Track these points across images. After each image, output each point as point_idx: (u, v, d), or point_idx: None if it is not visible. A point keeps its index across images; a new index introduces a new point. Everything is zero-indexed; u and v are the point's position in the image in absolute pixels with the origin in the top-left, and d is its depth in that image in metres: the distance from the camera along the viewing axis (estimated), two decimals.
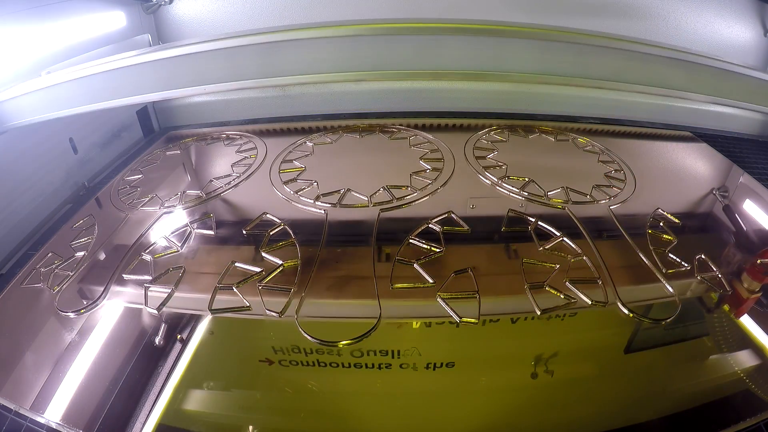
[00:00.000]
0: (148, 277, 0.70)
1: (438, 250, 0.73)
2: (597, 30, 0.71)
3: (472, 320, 0.62)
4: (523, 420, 0.56)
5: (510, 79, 0.71)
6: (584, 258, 0.72)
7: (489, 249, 0.79)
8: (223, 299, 0.66)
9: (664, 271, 0.69)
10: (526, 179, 0.92)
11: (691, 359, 0.62)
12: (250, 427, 0.54)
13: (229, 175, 0.98)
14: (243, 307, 0.65)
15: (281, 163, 1.01)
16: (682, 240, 0.77)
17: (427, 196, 0.88)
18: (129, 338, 0.63)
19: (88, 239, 0.81)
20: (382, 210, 0.84)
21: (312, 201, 0.86)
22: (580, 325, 0.65)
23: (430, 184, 0.91)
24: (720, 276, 0.69)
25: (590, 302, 0.64)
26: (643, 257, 0.72)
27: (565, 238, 0.76)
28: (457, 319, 0.62)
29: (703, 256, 0.72)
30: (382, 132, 1.15)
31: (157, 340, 0.63)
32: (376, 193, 0.88)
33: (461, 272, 0.68)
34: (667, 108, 1.27)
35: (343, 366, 0.59)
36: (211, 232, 0.81)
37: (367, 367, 0.59)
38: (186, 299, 0.68)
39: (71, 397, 0.56)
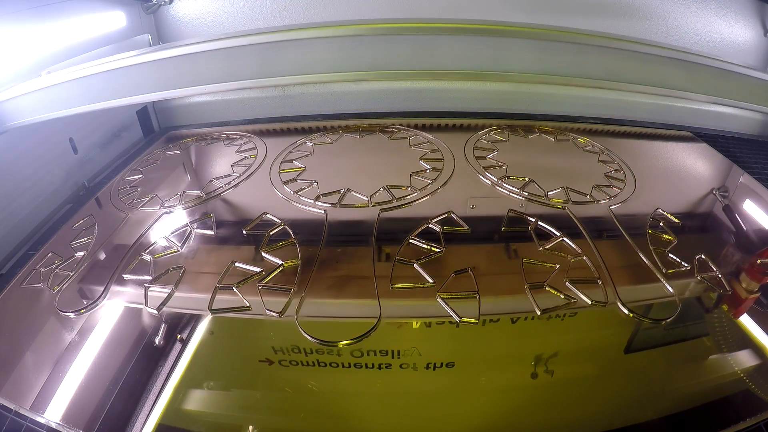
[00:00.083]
0: (148, 277, 0.70)
1: (438, 250, 0.73)
2: (597, 30, 0.71)
3: (472, 320, 0.62)
4: (523, 420, 0.56)
5: (510, 79, 0.71)
6: (584, 258, 0.72)
7: (489, 249, 0.79)
8: (223, 299, 0.66)
9: (664, 271, 0.69)
10: (526, 179, 0.92)
11: (691, 359, 0.62)
12: (250, 427, 0.54)
13: (229, 175, 0.98)
14: (243, 307, 0.65)
15: (281, 163, 1.01)
16: (682, 240, 0.77)
17: (427, 196, 0.88)
18: (129, 338, 0.63)
19: (88, 239, 0.81)
20: (382, 210, 0.84)
21: (312, 201, 0.86)
22: (580, 325, 0.65)
23: (430, 184, 0.91)
24: (720, 276, 0.69)
25: (590, 302, 0.64)
26: (643, 257, 0.72)
27: (565, 238, 0.76)
28: (457, 319, 0.62)
29: (703, 256, 0.72)
30: (382, 132, 1.15)
31: (157, 340, 0.63)
32: (376, 193, 0.88)
33: (461, 272, 0.68)
34: (667, 108, 1.27)
35: (343, 366, 0.59)
36: (211, 232, 0.81)
37: (367, 367, 0.59)
38: (186, 299, 0.68)
39: (71, 397, 0.56)
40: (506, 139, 1.11)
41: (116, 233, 0.82)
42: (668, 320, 0.62)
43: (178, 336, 0.63)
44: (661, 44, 0.72)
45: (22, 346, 0.63)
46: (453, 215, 0.81)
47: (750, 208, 0.91)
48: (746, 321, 0.65)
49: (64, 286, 0.70)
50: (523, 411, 0.57)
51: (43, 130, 0.90)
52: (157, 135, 1.29)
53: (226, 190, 0.93)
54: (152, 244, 0.78)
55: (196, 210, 0.87)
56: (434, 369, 0.59)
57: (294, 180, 0.94)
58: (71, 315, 0.66)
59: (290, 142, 1.10)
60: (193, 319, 0.65)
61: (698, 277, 0.69)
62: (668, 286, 0.67)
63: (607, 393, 0.59)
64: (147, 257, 0.74)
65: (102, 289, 0.69)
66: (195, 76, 0.73)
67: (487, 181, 0.93)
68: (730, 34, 1.22)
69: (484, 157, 1.01)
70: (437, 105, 1.29)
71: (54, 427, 0.54)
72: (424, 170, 0.96)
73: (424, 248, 0.74)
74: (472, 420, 0.55)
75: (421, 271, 0.69)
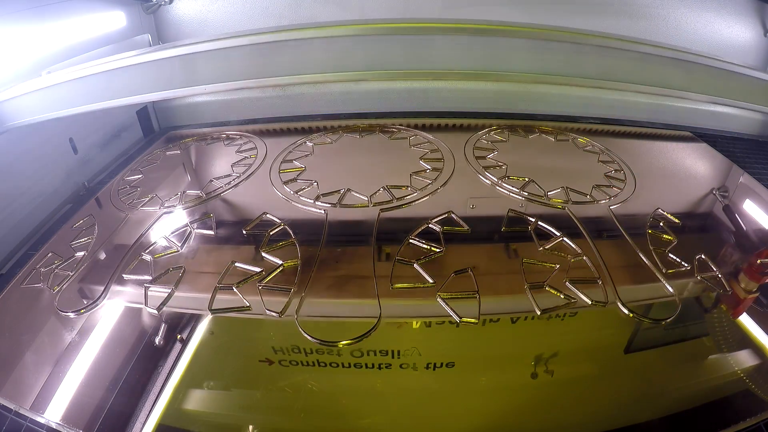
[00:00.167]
0: (148, 277, 0.70)
1: (438, 250, 0.73)
2: (597, 30, 0.71)
3: (472, 320, 0.62)
4: (523, 420, 0.56)
5: (510, 79, 0.71)
6: (584, 258, 0.72)
7: (489, 249, 0.79)
8: (223, 299, 0.66)
9: (664, 271, 0.69)
10: (526, 179, 0.92)
11: (691, 359, 0.62)
12: (250, 427, 0.54)
13: (229, 175, 0.98)
14: (243, 307, 0.65)
15: (281, 163, 1.01)
16: (682, 240, 0.77)
17: (427, 196, 0.88)
18: (129, 338, 0.63)
19: (88, 239, 0.81)
20: (382, 210, 0.84)
21: (312, 201, 0.86)
22: (580, 325, 0.65)
23: (430, 184, 0.91)
24: (720, 276, 0.69)
25: (590, 302, 0.64)
26: (643, 257, 0.72)
27: (565, 238, 0.76)
28: (457, 319, 0.62)
29: (703, 256, 0.72)
30: (382, 132, 1.15)
31: (157, 340, 0.63)
32: (376, 193, 0.88)
33: (461, 272, 0.68)
34: (667, 108, 1.27)
35: (343, 366, 0.59)
36: (211, 232, 0.81)
37: (367, 367, 0.59)
38: (186, 299, 0.68)
39: (71, 397, 0.56)
40: (506, 139, 1.11)
41: (116, 233, 0.82)
42: (668, 320, 0.62)
43: (178, 336, 0.63)
44: (660, 44, 0.72)
45: (22, 346, 0.63)
46: (453, 215, 0.81)
47: (750, 208, 0.91)
48: (746, 321, 0.65)
49: (64, 286, 0.70)
50: (523, 411, 0.57)
51: (43, 130, 0.90)
52: (157, 135, 1.29)
53: (226, 190, 0.93)
54: (152, 244, 0.78)
55: (196, 210, 0.87)
56: (434, 369, 0.59)
57: (294, 180, 0.94)
58: (71, 315, 0.66)
59: (290, 142, 1.10)
60: (193, 319, 0.65)
61: (698, 277, 0.69)
62: (668, 286, 0.67)
63: (607, 393, 0.59)
64: (147, 257, 0.74)
65: (102, 289, 0.69)
66: (195, 76, 0.73)
67: (487, 181, 0.93)
68: (730, 34, 1.22)
69: (484, 157, 1.01)
70: (437, 105, 1.29)
71: (54, 427, 0.54)
72: (424, 170, 0.96)
73: (424, 248, 0.74)
74: (472, 420, 0.55)
75: (421, 271, 0.69)
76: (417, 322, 0.65)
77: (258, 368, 0.60)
